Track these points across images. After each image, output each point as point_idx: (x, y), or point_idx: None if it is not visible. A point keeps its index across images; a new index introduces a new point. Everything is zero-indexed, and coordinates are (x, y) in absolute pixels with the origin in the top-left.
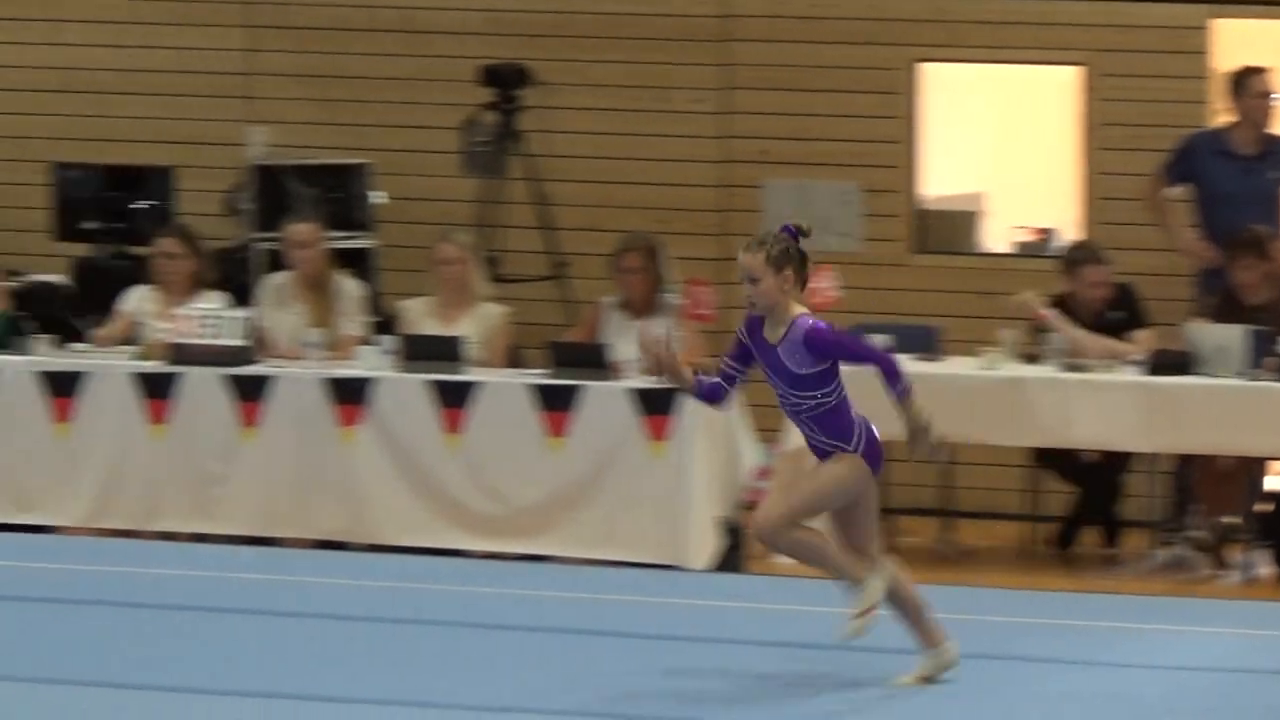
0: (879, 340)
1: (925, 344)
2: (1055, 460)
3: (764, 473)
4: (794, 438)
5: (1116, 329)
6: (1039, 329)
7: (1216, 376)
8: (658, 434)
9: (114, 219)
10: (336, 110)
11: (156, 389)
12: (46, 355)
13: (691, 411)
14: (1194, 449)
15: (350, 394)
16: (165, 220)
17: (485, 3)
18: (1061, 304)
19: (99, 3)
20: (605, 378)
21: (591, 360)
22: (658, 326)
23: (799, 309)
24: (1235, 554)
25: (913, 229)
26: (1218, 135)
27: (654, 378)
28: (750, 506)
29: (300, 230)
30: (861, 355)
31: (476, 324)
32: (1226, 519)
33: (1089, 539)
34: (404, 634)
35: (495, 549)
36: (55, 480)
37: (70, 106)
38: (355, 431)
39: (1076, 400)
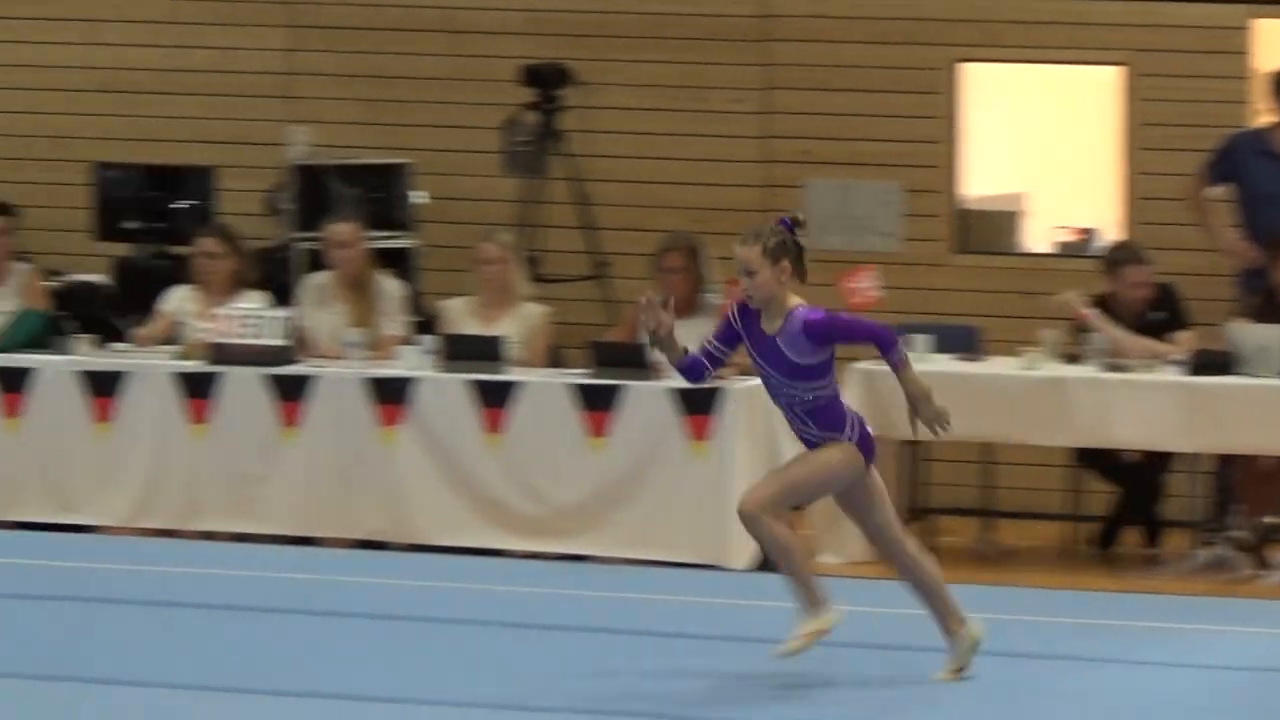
0: (920, 341)
1: (966, 344)
2: (1096, 460)
3: None
4: None
5: (1158, 329)
6: (1080, 329)
7: (1258, 376)
8: (698, 434)
9: (155, 219)
10: (378, 110)
11: (197, 389)
12: (87, 355)
13: (732, 411)
14: (1235, 449)
15: (391, 394)
16: (206, 220)
17: (526, 2)
18: (1103, 304)
19: (140, 2)
20: (646, 378)
21: (632, 360)
22: (699, 326)
23: (795, 300)
24: (1276, 554)
25: (954, 229)
26: (1259, 135)
27: (648, 338)
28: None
29: (341, 230)
30: (859, 332)
31: (517, 324)
32: (1268, 519)
33: (1130, 539)
34: (444, 634)
35: (535, 549)
36: (96, 480)
37: (111, 106)
38: (396, 431)
39: (1117, 400)
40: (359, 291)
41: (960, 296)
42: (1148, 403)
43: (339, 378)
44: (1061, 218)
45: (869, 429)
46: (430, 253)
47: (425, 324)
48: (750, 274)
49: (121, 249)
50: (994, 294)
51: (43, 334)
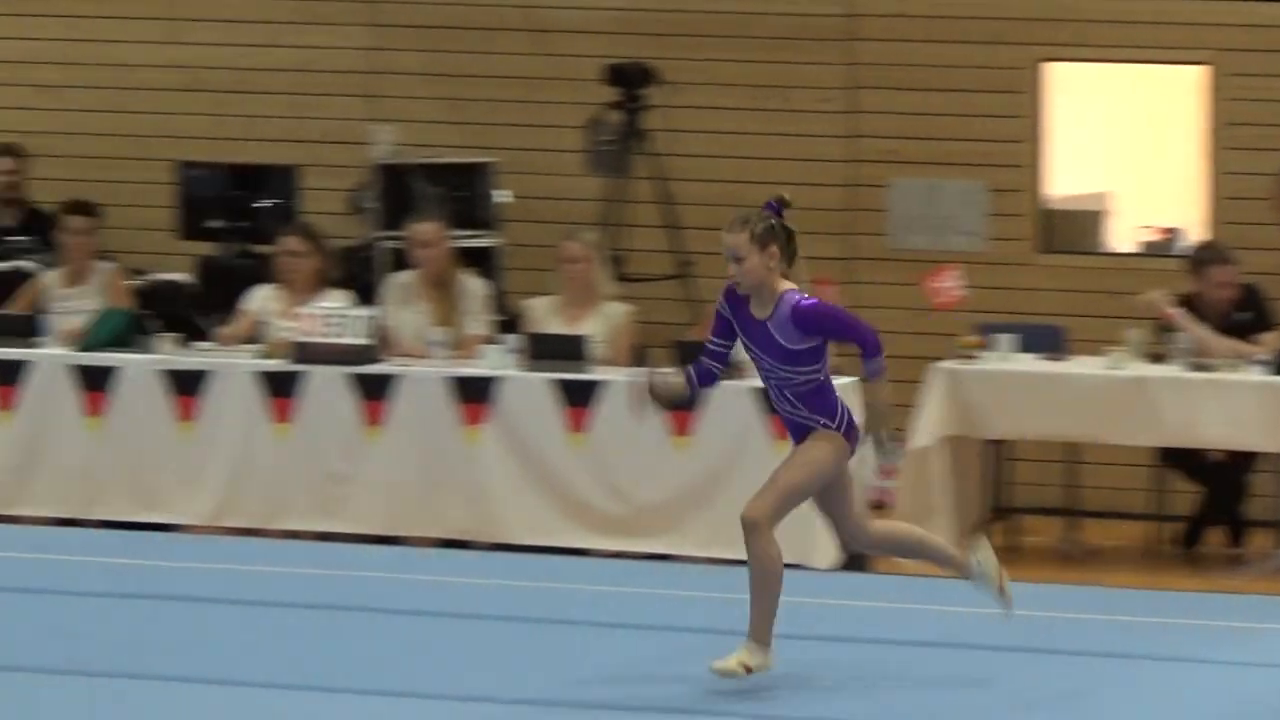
0: (1004, 340)
1: (1051, 343)
2: (1180, 460)
3: (888, 471)
4: (918, 436)
5: (1243, 330)
6: (1165, 329)
7: None
8: (782, 432)
9: (238, 218)
10: (461, 109)
11: (280, 388)
12: (171, 354)
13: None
14: None
15: (475, 393)
16: (289, 219)
17: (611, 1)
18: (1188, 304)
19: (224, 1)
20: (729, 376)
21: None
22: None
23: (786, 285)
24: None
25: (1038, 228)
26: None
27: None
28: (876, 506)
29: (425, 229)
30: (847, 330)
31: (601, 323)
32: None
33: (1214, 538)
34: (528, 633)
35: (620, 548)
36: (179, 479)
37: (195, 105)
38: (479, 430)
39: (1202, 400)
40: (442, 291)
41: (1045, 296)
42: (1232, 402)
43: (422, 377)
44: (1146, 217)
45: (854, 417)
46: (514, 252)
47: (508, 323)
48: (738, 260)
49: (205, 248)
50: (1079, 293)
51: (126, 333)
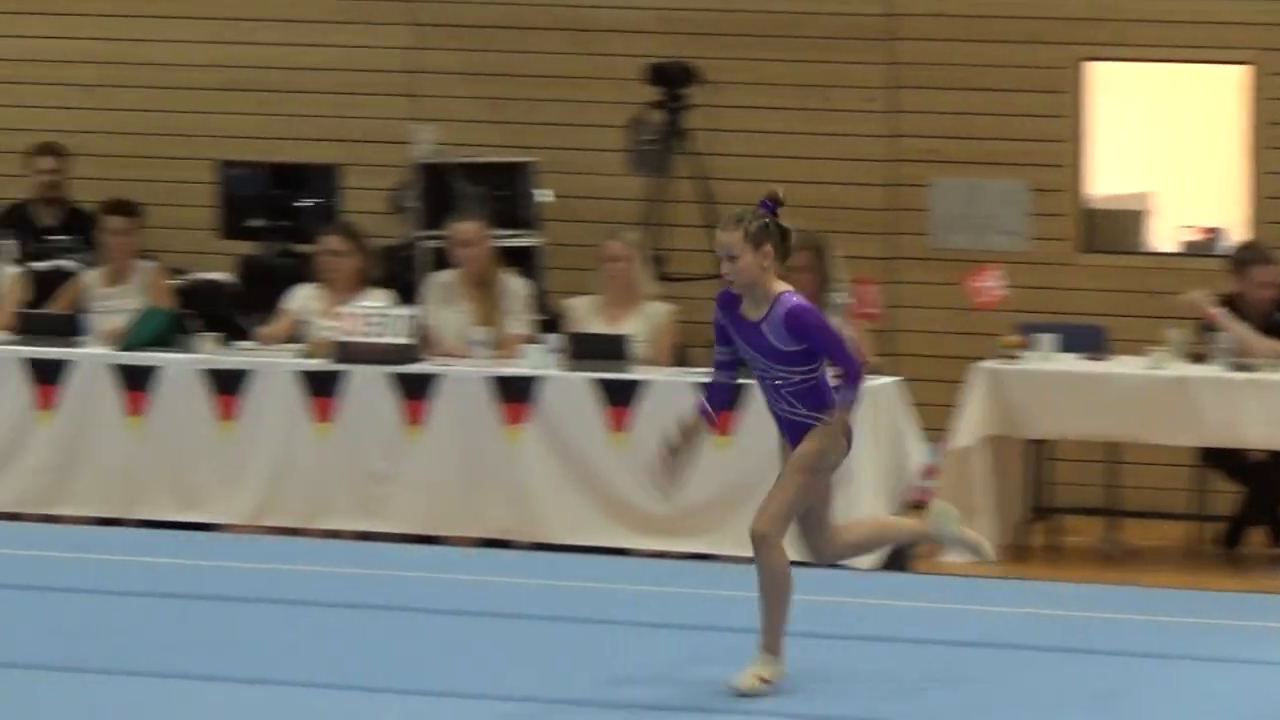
0: (1045, 340)
1: (1092, 343)
2: (1222, 460)
3: (931, 471)
4: (959, 435)
5: None
6: (1206, 328)
7: None
8: None
9: (279, 217)
10: (502, 108)
11: (321, 387)
12: (211, 353)
13: (857, 410)
14: None
15: (516, 392)
16: (330, 218)
17: (652, 1)
18: (1229, 304)
19: (266, 1)
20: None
21: None
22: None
23: (781, 286)
24: None
25: (1080, 228)
26: None
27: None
28: (918, 506)
29: (466, 228)
30: (831, 349)
31: (642, 322)
32: None
33: (1255, 539)
34: (571, 632)
35: (661, 548)
36: (220, 478)
37: (236, 105)
38: (521, 430)
39: (1244, 400)
40: (484, 290)
41: (1086, 296)
42: (1274, 402)
43: (464, 376)
44: (1188, 217)
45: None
46: (555, 251)
47: (550, 323)
48: (732, 259)
49: (246, 247)
50: (1120, 293)
51: (167, 332)
